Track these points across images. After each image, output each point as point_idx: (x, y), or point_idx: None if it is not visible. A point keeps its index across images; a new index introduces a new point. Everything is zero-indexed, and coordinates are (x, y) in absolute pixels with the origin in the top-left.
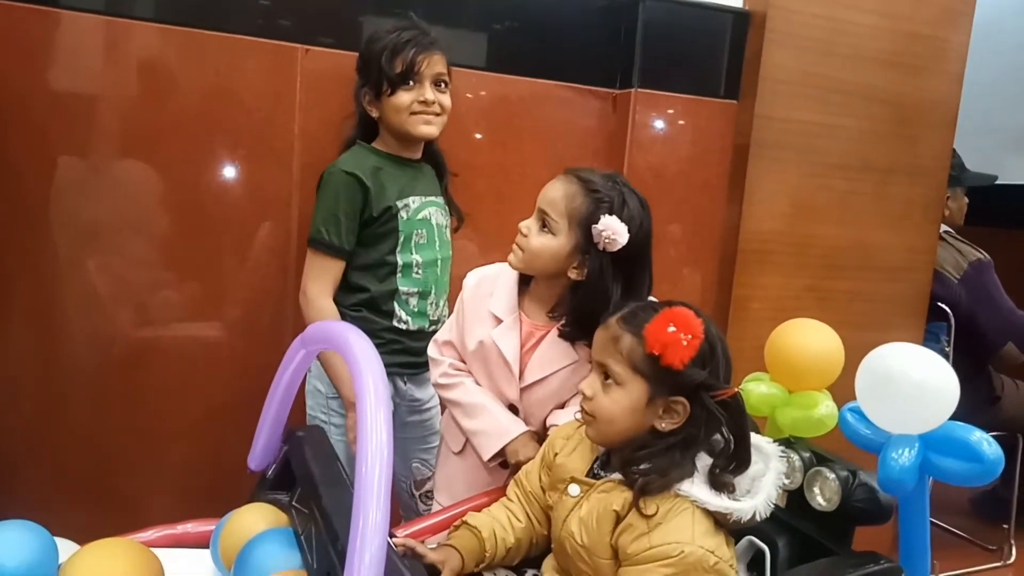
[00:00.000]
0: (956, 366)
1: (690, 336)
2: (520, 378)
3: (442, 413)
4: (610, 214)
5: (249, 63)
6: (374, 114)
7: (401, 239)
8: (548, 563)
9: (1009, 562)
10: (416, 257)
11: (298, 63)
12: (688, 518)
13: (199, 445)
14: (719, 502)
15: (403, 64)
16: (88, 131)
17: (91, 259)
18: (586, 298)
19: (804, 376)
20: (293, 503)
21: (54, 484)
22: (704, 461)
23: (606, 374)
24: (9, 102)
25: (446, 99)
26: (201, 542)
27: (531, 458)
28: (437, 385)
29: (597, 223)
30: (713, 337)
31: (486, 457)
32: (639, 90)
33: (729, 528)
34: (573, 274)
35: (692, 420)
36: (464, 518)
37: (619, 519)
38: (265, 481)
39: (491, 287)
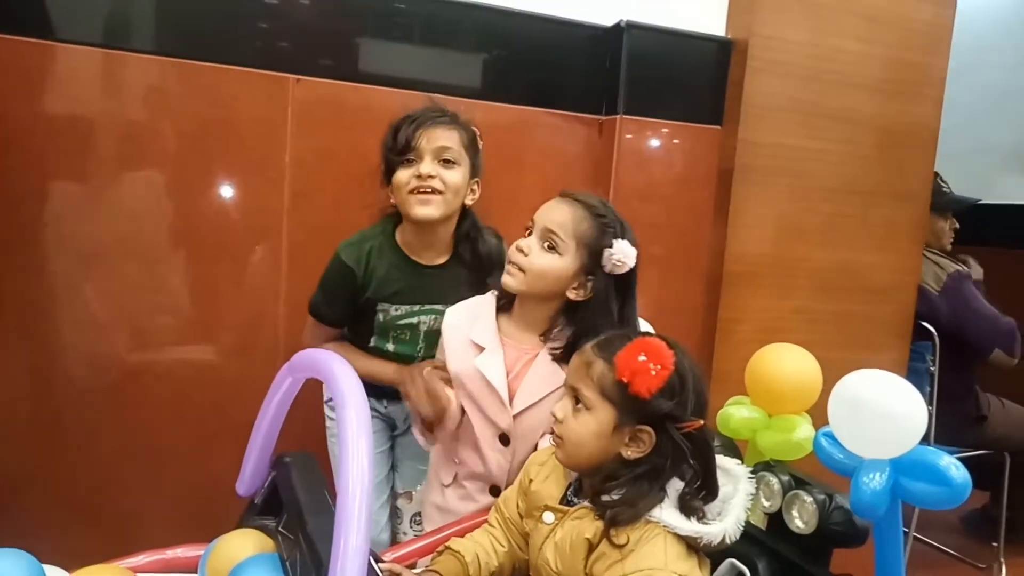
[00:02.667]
0: (942, 385)
1: (659, 366)
2: (511, 405)
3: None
4: (618, 238)
5: (241, 93)
6: (392, 200)
7: (376, 332)
8: None
9: None
10: (391, 347)
11: (289, 92)
12: (660, 544)
13: (191, 468)
14: (690, 526)
15: (401, 141)
16: (84, 159)
17: (86, 282)
18: (589, 318)
19: (783, 400)
20: (279, 529)
21: (46, 507)
22: (676, 486)
23: (577, 398)
24: (9, 130)
25: (451, 175)
26: (190, 567)
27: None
28: None
29: (607, 246)
30: (684, 370)
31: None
32: (624, 116)
33: (702, 551)
34: (572, 294)
35: (658, 450)
36: (447, 543)
37: (592, 547)
38: (253, 507)
39: (471, 316)
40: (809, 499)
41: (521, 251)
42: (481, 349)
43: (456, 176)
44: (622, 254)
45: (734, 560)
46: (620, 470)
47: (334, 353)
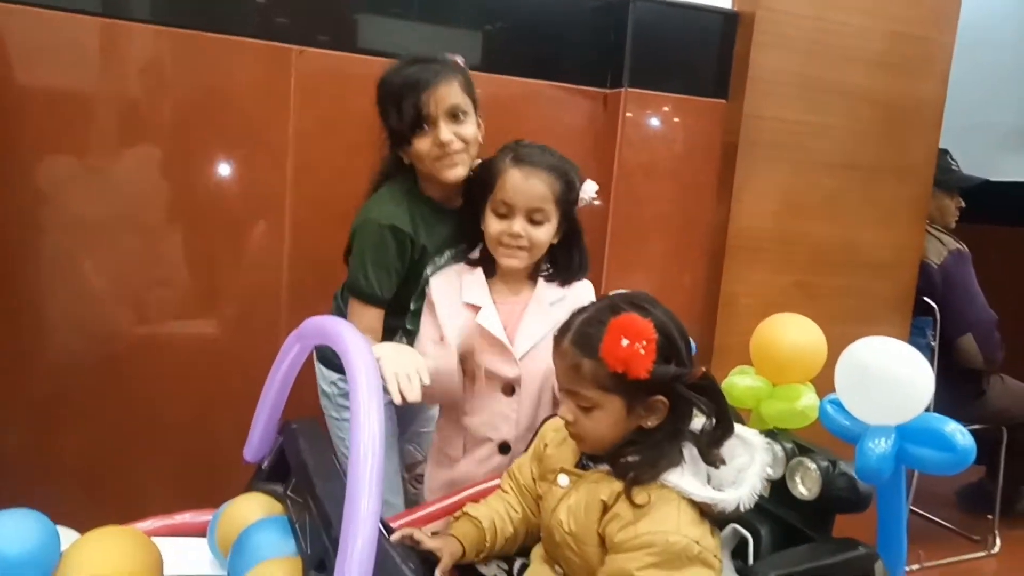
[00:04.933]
0: (942, 360)
1: (644, 342)
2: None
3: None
4: (580, 180)
5: (244, 64)
6: (407, 161)
7: (419, 292)
8: (537, 551)
9: (993, 552)
10: None
11: (292, 64)
12: (674, 508)
13: (196, 438)
14: (704, 493)
15: (410, 112)
16: (84, 130)
17: (86, 256)
18: (566, 252)
19: (788, 369)
20: (288, 493)
21: (54, 477)
22: (692, 452)
23: (583, 403)
24: (7, 101)
25: (467, 129)
26: (199, 531)
27: (399, 372)
28: None
29: (578, 192)
30: (664, 327)
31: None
32: (629, 89)
33: (714, 518)
34: (554, 240)
35: (674, 411)
36: (465, 509)
37: (606, 509)
38: (261, 472)
39: (457, 283)
40: (813, 466)
41: (518, 236)
42: (476, 309)
43: (471, 127)
44: (589, 191)
45: (736, 525)
46: (641, 437)
47: (345, 321)
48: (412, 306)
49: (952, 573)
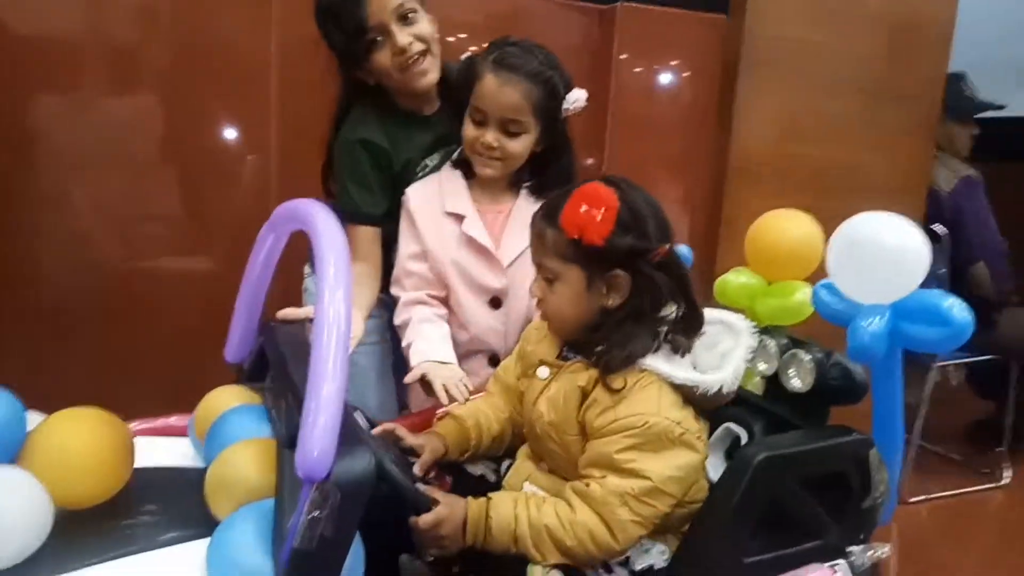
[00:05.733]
0: (952, 290)
1: (603, 209)
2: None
3: None
4: (567, 88)
5: None
6: (370, 81)
7: None
8: (523, 449)
9: (1001, 483)
10: None
11: None
12: (654, 391)
13: (186, 356)
14: (685, 375)
15: (352, 25)
16: (66, 56)
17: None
18: (553, 162)
19: (783, 265)
20: (266, 385)
21: (51, 383)
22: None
23: (546, 274)
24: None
25: (422, 27)
26: (181, 433)
27: (446, 380)
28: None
29: (563, 100)
30: (633, 201)
31: (413, 362)
32: (625, 4)
33: (699, 405)
34: (537, 148)
35: (635, 289)
36: (448, 409)
37: (585, 396)
38: (242, 373)
39: (437, 191)
40: (807, 357)
41: (491, 147)
42: (459, 218)
43: (425, 24)
44: (575, 101)
45: (730, 424)
46: (606, 319)
47: (317, 202)
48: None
49: (961, 504)
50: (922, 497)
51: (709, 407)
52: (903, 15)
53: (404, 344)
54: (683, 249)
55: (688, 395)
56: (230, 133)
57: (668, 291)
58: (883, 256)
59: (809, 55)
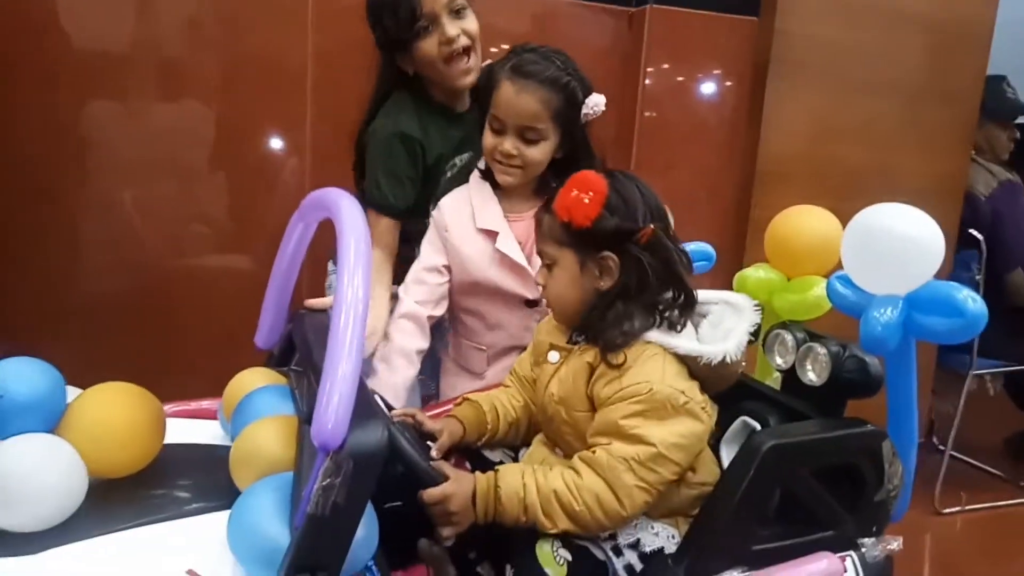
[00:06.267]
0: (987, 295)
1: (591, 192)
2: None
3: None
4: (586, 93)
5: None
6: (410, 71)
7: (438, 196)
8: (538, 437)
9: None
10: None
11: None
12: (659, 362)
13: (224, 352)
14: (689, 345)
15: (407, 10)
16: (117, 67)
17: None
18: (574, 168)
19: (802, 261)
20: (292, 367)
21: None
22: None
23: (546, 260)
24: (58, 57)
25: (469, 23)
26: (214, 417)
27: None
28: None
29: (582, 105)
30: (622, 186)
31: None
32: (655, 6)
33: (707, 382)
34: (558, 155)
35: (624, 270)
36: (465, 395)
37: (592, 370)
38: (271, 359)
39: (468, 208)
40: (823, 350)
41: (509, 155)
42: (491, 235)
43: (473, 22)
44: (595, 106)
45: (747, 418)
46: (603, 302)
47: (343, 191)
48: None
49: (997, 517)
50: (956, 508)
51: (718, 384)
52: (941, 14)
53: (377, 355)
54: (705, 247)
55: (693, 368)
56: (269, 136)
57: (655, 271)
58: (896, 246)
59: (841, 55)
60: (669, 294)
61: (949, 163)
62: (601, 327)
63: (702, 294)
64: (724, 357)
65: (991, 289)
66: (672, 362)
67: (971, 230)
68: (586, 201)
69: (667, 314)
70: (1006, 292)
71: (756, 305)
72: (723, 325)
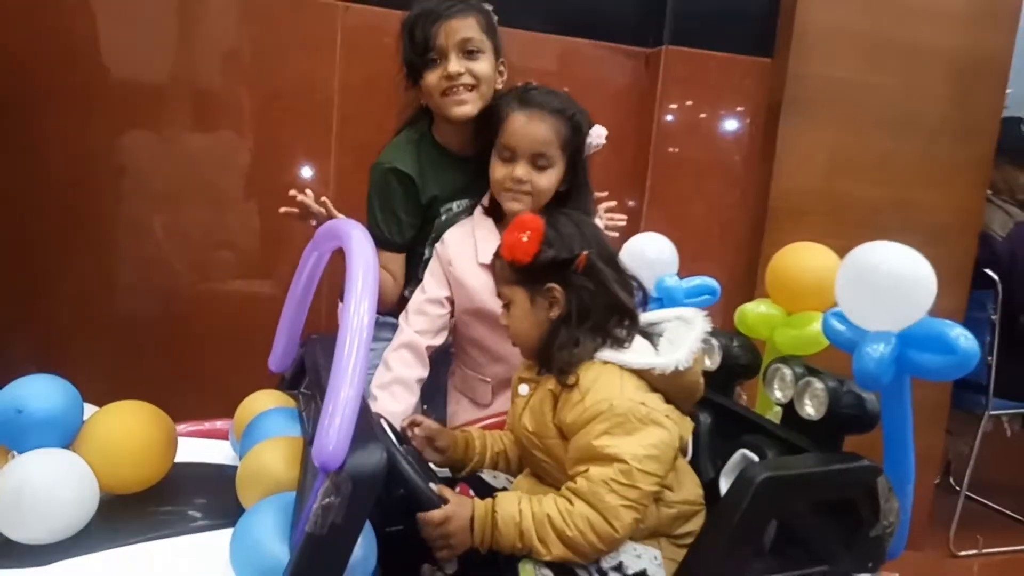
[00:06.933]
0: (1003, 335)
1: (528, 231)
2: None
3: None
4: (589, 125)
5: (291, 19)
6: (423, 102)
7: (432, 237)
8: (526, 470)
9: None
10: None
11: (339, 19)
12: (615, 379)
13: (238, 370)
14: (641, 359)
15: (421, 41)
16: (153, 97)
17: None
18: (575, 200)
19: (802, 297)
20: (301, 391)
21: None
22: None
23: (503, 300)
24: (94, 86)
25: (479, 66)
26: (226, 437)
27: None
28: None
29: (586, 137)
30: (558, 221)
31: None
32: (671, 47)
33: (671, 395)
34: (561, 188)
35: (570, 298)
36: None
37: (556, 399)
38: (283, 383)
39: (471, 243)
40: (820, 385)
41: (520, 181)
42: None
43: (484, 65)
44: (597, 137)
45: (746, 450)
46: (556, 331)
47: (355, 222)
48: (426, 253)
49: (1015, 562)
50: (972, 552)
51: (683, 396)
52: (957, 49)
53: (375, 384)
54: (710, 282)
55: (652, 381)
56: (295, 166)
57: (594, 295)
58: (889, 284)
59: (855, 94)
60: (615, 315)
61: (966, 200)
62: (553, 354)
63: (657, 313)
64: (676, 366)
65: (1007, 330)
66: (629, 377)
67: (987, 270)
68: (524, 240)
69: (613, 332)
70: (1022, 333)
71: (706, 316)
72: (678, 339)
